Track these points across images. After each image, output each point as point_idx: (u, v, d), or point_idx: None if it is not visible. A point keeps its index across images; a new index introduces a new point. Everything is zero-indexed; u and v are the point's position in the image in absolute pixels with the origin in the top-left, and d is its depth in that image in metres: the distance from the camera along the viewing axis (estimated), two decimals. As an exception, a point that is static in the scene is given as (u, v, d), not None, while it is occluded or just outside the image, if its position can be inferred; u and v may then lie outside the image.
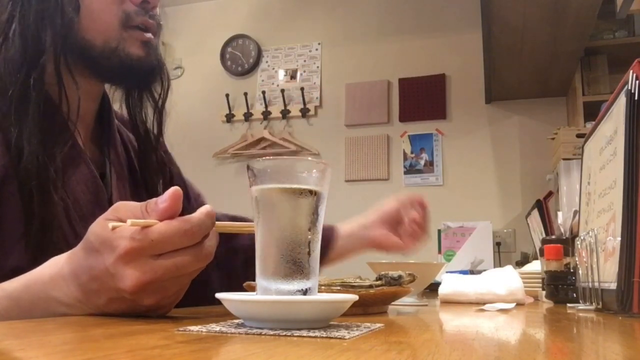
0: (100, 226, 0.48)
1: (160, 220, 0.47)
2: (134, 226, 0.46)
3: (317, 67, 3.41)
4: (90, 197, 0.70)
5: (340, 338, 0.37)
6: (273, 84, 3.45)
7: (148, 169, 0.83)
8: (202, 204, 0.84)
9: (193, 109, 3.31)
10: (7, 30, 0.67)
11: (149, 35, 0.74)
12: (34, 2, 0.68)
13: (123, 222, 0.47)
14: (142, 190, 0.82)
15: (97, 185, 0.72)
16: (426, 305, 0.92)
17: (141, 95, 0.82)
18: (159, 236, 0.46)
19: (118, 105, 0.84)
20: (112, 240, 0.46)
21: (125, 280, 0.46)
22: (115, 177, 0.78)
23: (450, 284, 0.97)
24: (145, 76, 0.77)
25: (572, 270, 1.00)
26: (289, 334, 0.39)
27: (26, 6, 0.68)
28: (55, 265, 0.52)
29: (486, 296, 0.92)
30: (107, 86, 0.81)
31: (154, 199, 0.48)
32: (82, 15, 0.69)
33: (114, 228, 0.47)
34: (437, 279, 1.01)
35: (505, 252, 2.87)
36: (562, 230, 1.23)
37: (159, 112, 0.82)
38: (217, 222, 0.50)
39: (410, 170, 3.12)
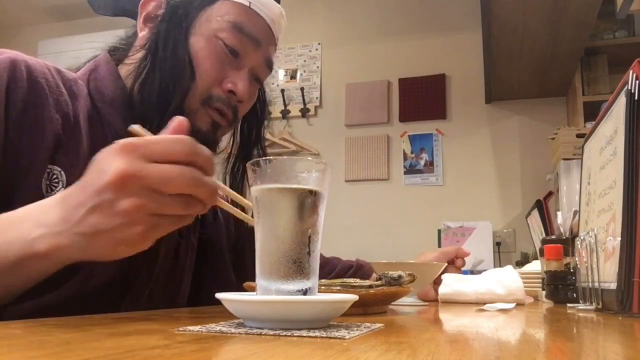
0: None
1: None
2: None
3: (317, 67, 3.41)
4: None
5: (340, 338, 0.37)
6: (273, 83, 3.45)
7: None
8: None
9: (193, 109, 3.31)
10: (142, 68, 0.75)
11: (222, 120, 0.79)
12: (169, 61, 0.74)
13: None
14: None
15: None
16: (426, 305, 0.92)
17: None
18: (151, 138, 0.49)
19: None
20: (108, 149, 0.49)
21: (112, 168, 0.47)
22: None
23: (450, 284, 0.97)
24: None
25: (572, 270, 1.00)
26: (289, 334, 0.39)
27: (161, 61, 0.75)
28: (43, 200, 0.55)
29: (486, 296, 0.92)
30: None
31: None
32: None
33: None
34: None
35: (505, 252, 2.88)
36: (562, 230, 1.23)
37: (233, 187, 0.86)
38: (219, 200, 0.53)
39: (410, 170, 3.12)
